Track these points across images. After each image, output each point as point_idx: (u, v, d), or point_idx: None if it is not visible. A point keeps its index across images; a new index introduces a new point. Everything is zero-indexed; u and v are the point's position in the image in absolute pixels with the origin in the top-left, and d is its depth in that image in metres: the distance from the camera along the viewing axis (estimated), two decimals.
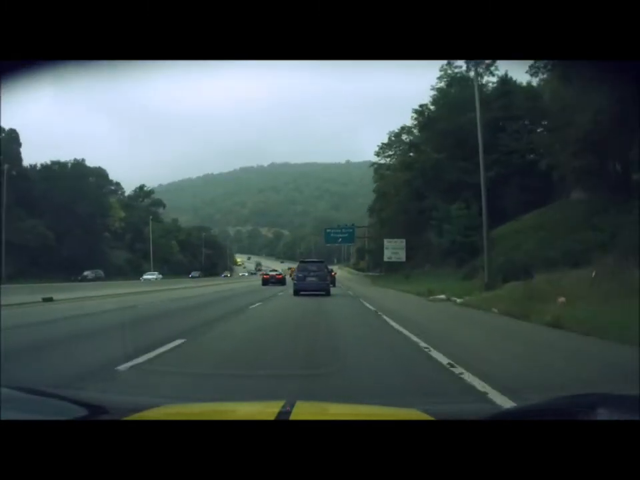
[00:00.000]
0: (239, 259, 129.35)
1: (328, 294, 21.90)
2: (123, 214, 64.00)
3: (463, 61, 35.95)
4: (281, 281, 38.30)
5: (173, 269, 66.43)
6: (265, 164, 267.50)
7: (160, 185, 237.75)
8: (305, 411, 1.90)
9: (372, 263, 69.03)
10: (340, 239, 53.73)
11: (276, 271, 45.89)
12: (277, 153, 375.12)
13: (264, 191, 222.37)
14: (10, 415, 1.51)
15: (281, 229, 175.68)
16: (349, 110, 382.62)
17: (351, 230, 53.44)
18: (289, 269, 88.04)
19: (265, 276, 40.37)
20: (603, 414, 1.44)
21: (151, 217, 66.69)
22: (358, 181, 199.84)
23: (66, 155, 71.02)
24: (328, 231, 54.48)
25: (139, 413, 1.79)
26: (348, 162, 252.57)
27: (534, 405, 1.76)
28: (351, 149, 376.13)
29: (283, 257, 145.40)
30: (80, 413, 1.73)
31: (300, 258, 35.01)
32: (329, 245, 61.97)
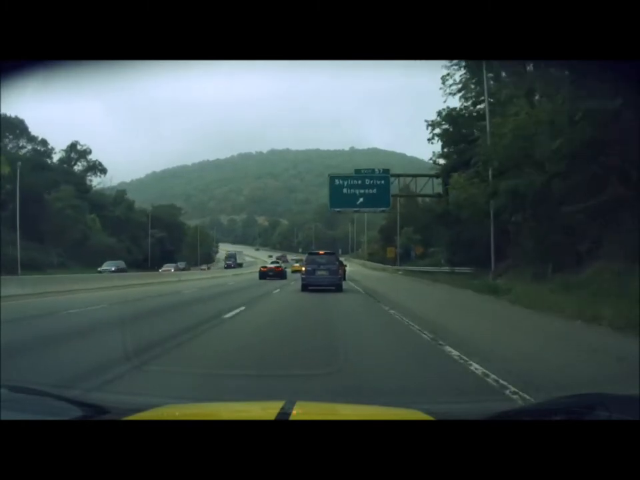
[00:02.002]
0: (229, 250, 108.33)
1: (340, 290, 20.18)
2: (7, 169, 39.48)
3: None
4: (280, 274, 33.64)
5: (84, 259, 40.81)
6: (265, 150, 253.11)
7: (154, 172, 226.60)
8: (305, 411, 1.90)
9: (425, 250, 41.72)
10: (361, 199, 29.12)
11: (277, 262, 39.90)
12: (277, 139, 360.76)
13: (262, 178, 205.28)
14: (10, 415, 1.51)
15: (279, 218, 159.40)
16: (352, 97, 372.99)
17: (383, 181, 29.15)
18: (270, 256, 74.91)
19: (262, 268, 35.51)
20: (602, 414, 1.45)
21: (19, 164, 38.31)
22: (364, 168, 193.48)
23: (62, 146, 57.88)
24: (337, 182, 29.90)
25: (139, 413, 1.78)
26: (352, 149, 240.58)
27: (534, 405, 1.77)
28: (355, 136, 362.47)
29: (278, 247, 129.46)
30: (80, 412, 1.73)
31: (297, 248, 30.40)
32: (339, 211, 34.02)
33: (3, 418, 1.42)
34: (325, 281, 20.48)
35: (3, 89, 2.30)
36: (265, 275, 33.60)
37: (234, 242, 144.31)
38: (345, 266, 32.27)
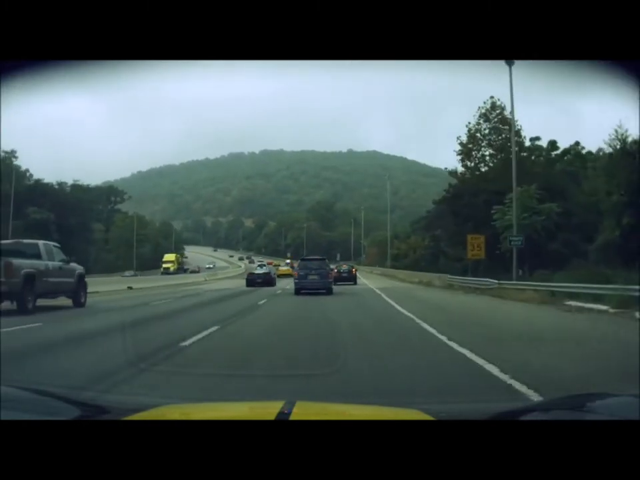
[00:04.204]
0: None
1: (330, 293, 21.38)
2: None
3: None
4: (268, 281, 32.41)
5: None
6: (257, 151, 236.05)
7: (139, 172, 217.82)
8: (305, 411, 1.90)
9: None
10: None
11: (263, 266, 38.32)
12: (270, 139, 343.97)
13: (252, 178, 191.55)
14: (10, 415, 1.51)
15: (269, 220, 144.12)
16: (350, 98, 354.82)
17: None
18: (231, 256, 68.91)
19: (249, 274, 34.26)
20: (603, 414, 1.45)
21: None
22: (362, 171, 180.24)
23: (62, 145, 54.30)
24: None
25: (139, 413, 1.78)
26: (350, 151, 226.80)
27: (534, 405, 1.77)
28: (353, 138, 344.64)
29: (264, 251, 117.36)
30: (80, 412, 1.73)
31: (285, 252, 30.41)
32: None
33: (3, 418, 1.42)
34: (316, 285, 21.74)
35: (3, 89, 2.30)
36: (252, 282, 32.08)
37: (216, 245, 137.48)
38: (355, 270, 31.59)
